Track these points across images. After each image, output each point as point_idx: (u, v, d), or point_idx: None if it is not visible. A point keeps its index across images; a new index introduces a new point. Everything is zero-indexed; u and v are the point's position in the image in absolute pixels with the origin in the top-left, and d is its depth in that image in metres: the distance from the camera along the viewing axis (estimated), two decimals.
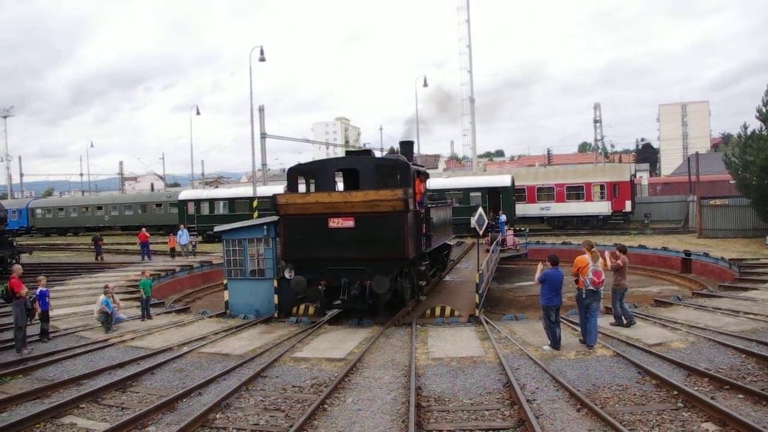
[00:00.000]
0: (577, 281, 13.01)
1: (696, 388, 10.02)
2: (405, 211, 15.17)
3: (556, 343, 12.79)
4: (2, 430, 9.30)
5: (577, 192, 43.96)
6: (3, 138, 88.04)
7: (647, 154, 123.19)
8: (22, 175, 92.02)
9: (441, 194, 42.44)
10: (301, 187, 18.21)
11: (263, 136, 47.33)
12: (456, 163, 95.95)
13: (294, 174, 17.79)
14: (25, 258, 31.85)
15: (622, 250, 15.20)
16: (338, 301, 16.12)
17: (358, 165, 17.21)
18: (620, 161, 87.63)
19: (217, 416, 9.78)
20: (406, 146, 21.64)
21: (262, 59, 41.06)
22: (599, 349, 12.63)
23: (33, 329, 15.54)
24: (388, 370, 11.92)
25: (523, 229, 39.41)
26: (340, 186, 18.68)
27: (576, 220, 44.41)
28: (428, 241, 17.62)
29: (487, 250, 27.53)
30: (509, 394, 10.16)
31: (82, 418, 10.05)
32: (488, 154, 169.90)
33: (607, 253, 14.04)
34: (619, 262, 14.68)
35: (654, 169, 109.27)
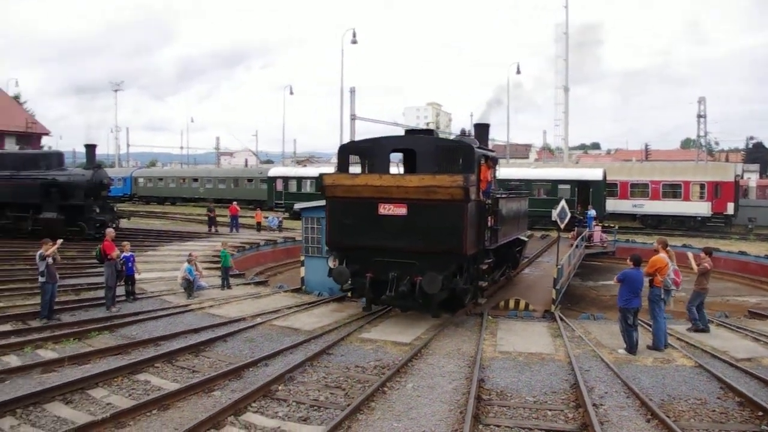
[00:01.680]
0: (653, 280, 12.44)
1: None
2: (465, 200, 13.30)
3: (632, 348, 12.25)
4: (86, 380, 9.89)
5: (674, 190, 41.90)
6: (113, 110, 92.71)
7: (758, 154, 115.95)
8: (128, 145, 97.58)
9: (528, 185, 41.55)
10: (356, 169, 16.59)
11: (353, 117, 47.80)
12: (548, 153, 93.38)
13: (345, 152, 15.89)
14: (123, 223, 33.48)
15: (708, 252, 14.42)
16: (385, 297, 14.26)
17: (415, 145, 15.20)
18: (727, 160, 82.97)
19: (280, 388, 9.99)
20: (481, 129, 19.58)
21: (354, 41, 41.24)
22: (679, 359, 11.99)
23: (123, 290, 16.36)
24: (452, 359, 11.79)
25: (612, 225, 38.02)
26: (400, 168, 16.91)
27: (671, 220, 42.39)
28: (494, 236, 15.72)
29: (572, 245, 26.77)
30: (575, 396, 9.82)
31: (156, 377, 10.55)
32: (583, 147, 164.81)
33: (690, 255, 13.34)
34: (705, 264, 13.92)
35: (765, 171, 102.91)
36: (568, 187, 40.44)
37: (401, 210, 13.88)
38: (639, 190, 42.87)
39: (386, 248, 14.10)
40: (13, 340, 12.25)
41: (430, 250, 13.65)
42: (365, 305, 15.35)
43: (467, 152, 14.35)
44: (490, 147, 19.75)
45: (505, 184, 41.87)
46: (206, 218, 36.71)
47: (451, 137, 22.06)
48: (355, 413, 8.83)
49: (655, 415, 8.91)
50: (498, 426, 8.67)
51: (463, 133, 18.90)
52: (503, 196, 17.14)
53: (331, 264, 15.04)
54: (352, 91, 51.89)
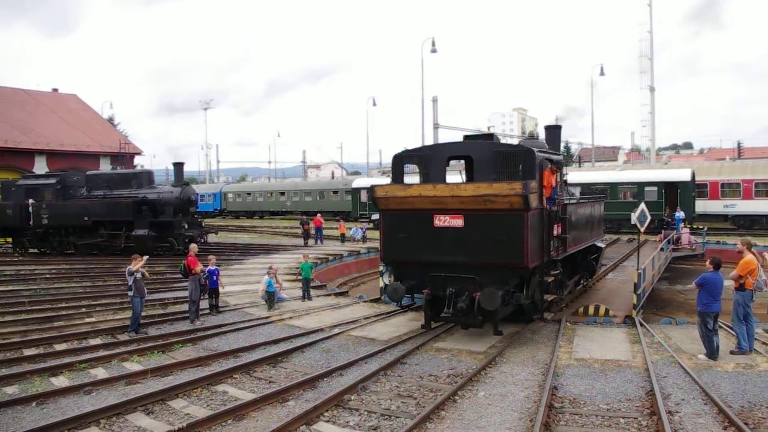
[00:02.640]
0: (744, 284, 11.97)
1: None
2: (524, 209, 12.44)
3: (712, 353, 11.83)
4: (166, 391, 10.40)
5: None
6: (203, 128, 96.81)
7: None
8: (218, 161, 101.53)
9: (614, 188, 40.53)
10: (413, 179, 15.99)
11: (436, 126, 47.85)
12: (637, 155, 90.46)
13: (399, 161, 15.08)
14: (212, 237, 34.82)
15: None
16: (444, 314, 13.46)
17: (472, 151, 14.43)
18: None
19: (352, 397, 10.18)
20: (551, 131, 18.68)
21: (434, 50, 41.43)
22: (763, 364, 11.48)
23: (206, 303, 17.07)
24: (526, 367, 11.71)
25: (701, 227, 36.50)
26: (456, 177, 16.05)
27: (765, 220, 40.27)
28: (563, 245, 14.99)
29: (662, 249, 25.96)
30: (650, 403, 9.58)
31: (233, 387, 10.96)
32: (675, 147, 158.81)
33: (766, 254, 12.78)
34: None
35: None
36: (654, 189, 39.28)
37: (458, 221, 13.15)
38: (730, 189, 41.02)
39: (443, 262, 13.38)
40: (101, 353, 13.01)
41: (488, 264, 12.96)
42: (424, 323, 14.53)
43: (527, 157, 13.53)
44: (561, 150, 19.24)
45: (590, 188, 41.28)
46: (300, 231, 37.34)
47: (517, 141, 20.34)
48: (424, 422, 8.94)
49: (732, 423, 8.61)
50: None
51: (531, 136, 18.51)
52: (572, 201, 16.23)
53: (386, 280, 14.42)
54: (434, 99, 51.96)
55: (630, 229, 35.98)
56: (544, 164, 13.96)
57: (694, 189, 39.75)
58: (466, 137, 15.64)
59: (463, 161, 16.38)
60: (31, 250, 33.53)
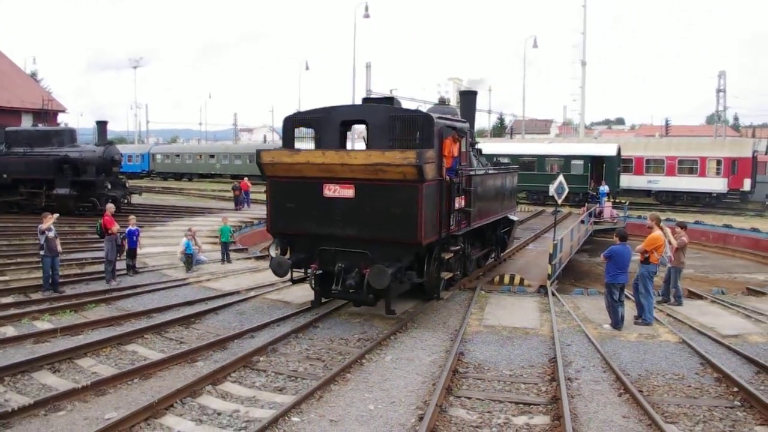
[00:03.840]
0: (648, 258, 12.48)
1: (762, 387, 9.32)
2: (419, 180, 11.34)
3: (617, 323, 12.31)
4: (74, 350, 10.26)
5: (690, 166, 41.38)
6: (133, 87, 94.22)
7: None
8: (148, 122, 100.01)
9: (540, 161, 41.39)
10: (304, 145, 14.62)
11: (369, 93, 47.65)
12: (568, 129, 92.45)
13: (290, 124, 13.74)
14: (136, 198, 33.97)
15: (683, 226, 14.60)
16: (333, 291, 12.44)
17: (367, 116, 13.24)
18: (753, 136, 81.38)
19: (261, 359, 10.22)
20: (466, 97, 17.56)
21: (367, 16, 41.08)
22: (664, 334, 12.01)
23: (123, 264, 16.70)
24: (436, 332, 11.94)
25: (624, 201, 37.76)
26: (362, 144, 14.54)
27: (686, 196, 41.96)
28: (466, 219, 14.09)
29: (582, 222, 26.74)
30: (552, 370, 9.92)
31: (143, 347, 10.87)
32: (607, 122, 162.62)
33: (668, 230, 13.41)
34: (684, 239, 14.09)
35: None
36: (581, 162, 40.33)
37: (348, 192, 12.07)
38: (654, 165, 42.54)
39: (334, 236, 12.33)
40: (12, 311, 12.62)
41: (380, 239, 11.92)
42: (313, 300, 13.44)
43: (425, 124, 12.35)
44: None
45: (518, 159, 42.04)
46: (232, 196, 36.41)
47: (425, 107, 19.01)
48: (328, 384, 9.05)
49: (627, 390, 9.01)
50: (469, 398, 8.83)
51: (441, 101, 17.04)
52: (478, 172, 15.24)
53: (272, 253, 13.15)
54: (368, 66, 51.72)
55: (552, 200, 36.94)
56: (445, 132, 12.84)
57: (620, 164, 40.98)
58: (364, 100, 14.40)
59: (351, 126, 15.19)
60: None
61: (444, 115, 13.76)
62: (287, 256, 13.04)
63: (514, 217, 19.68)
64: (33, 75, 63.62)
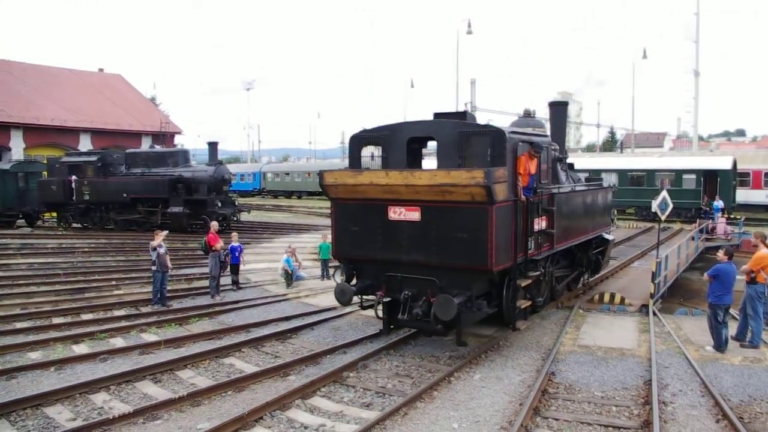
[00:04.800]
0: (756, 277, 11.77)
1: None
2: (488, 201, 10.36)
3: (720, 346, 11.66)
4: (175, 362, 10.91)
5: None
6: (246, 108, 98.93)
7: None
8: (260, 141, 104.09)
9: (650, 176, 39.85)
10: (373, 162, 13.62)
11: (474, 109, 47.62)
12: (684, 142, 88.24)
13: (356, 143, 13.04)
14: (245, 216, 35.47)
15: None
16: (400, 320, 11.77)
17: (435, 132, 12.32)
18: None
19: (351, 375, 10.43)
20: (556, 108, 16.41)
21: (470, 32, 41.11)
22: None
23: (228, 279, 17.52)
24: (528, 351, 11.76)
25: (738, 217, 35.60)
26: (430, 163, 13.36)
27: None
28: (549, 241, 13.03)
29: (692, 238, 25.52)
30: (646, 393, 9.55)
31: (240, 360, 11.37)
32: (726, 134, 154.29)
33: None
34: None
35: None
36: (693, 177, 38.38)
37: (414, 215, 11.27)
38: None
39: (400, 261, 11.57)
40: (123, 324, 13.64)
41: (449, 265, 11.05)
42: (383, 327, 12.75)
43: (496, 139, 11.39)
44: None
45: (626, 175, 40.62)
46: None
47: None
48: (414, 401, 9.12)
49: (725, 416, 8.54)
50: (556, 419, 8.65)
51: (526, 114, 16.04)
52: (562, 190, 14.03)
53: (338, 279, 12.48)
54: (473, 82, 51.63)
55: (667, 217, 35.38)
56: (521, 148, 11.88)
57: (735, 178, 38.72)
58: (436, 115, 13.22)
59: (419, 144, 13.84)
60: (74, 225, 34.78)
61: (523, 129, 13.17)
62: (354, 282, 12.36)
63: (609, 236, 18.20)
64: (152, 99, 68.03)
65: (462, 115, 13.00)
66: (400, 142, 12.36)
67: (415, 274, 11.37)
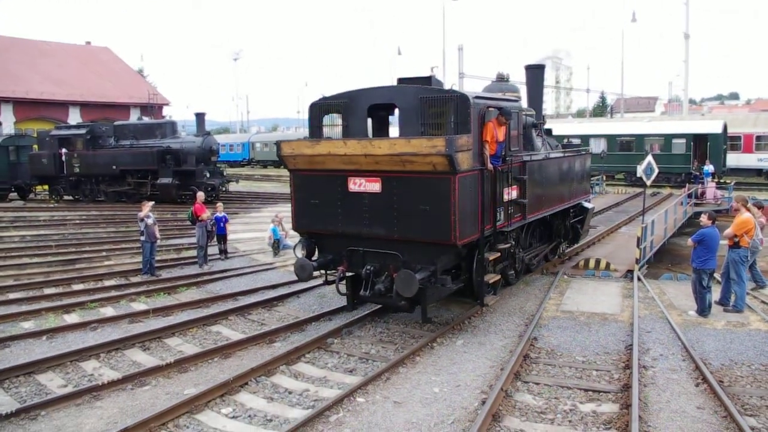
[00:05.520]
0: (739, 242, 11.87)
1: None
2: (451, 171, 9.75)
3: (704, 310, 11.78)
4: (164, 330, 11.07)
5: None
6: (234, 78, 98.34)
7: None
8: (248, 112, 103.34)
9: (640, 141, 39.84)
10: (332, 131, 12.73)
11: (461, 75, 47.33)
12: (675, 106, 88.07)
13: (316, 111, 12.23)
14: (234, 186, 35.46)
15: (759, 206, 13.63)
16: (363, 296, 11.06)
17: (396, 98, 11.54)
18: None
19: (335, 341, 10.56)
20: (533, 73, 15.62)
21: None
22: (755, 323, 11.41)
23: (216, 249, 17.63)
24: (512, 317, 11.89)
25: (728, 181, 35.71)
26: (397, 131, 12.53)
27: None
28: (521, 210, 12.36)
29: (681, 203, 25.65)
30: (627, 357, 9.67)
31: (227, 328, 11.52)
32: (720, 97, 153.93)
33: (756, 210, 12.66)
34: (762, 220, 13.31)
35: None
36: (683, 141, 38.33)
37: (374, 186, 10.66)
38: (766, 143, 39.90)
39: (362, 235, 10.97)
40: (113, 293, 13.74)
41: (411, 238, 10.44)
42: (347, 303, 12.07)
43: (460, 105, 10.61)
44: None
45: (616, 140, 40.57)
46: None
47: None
48: (396, 366, 9.25)
49: (705, 380, 8.67)
50: (537, 384, 8.79)
51: (500, 78, 15.24)
52: (535, 158, 13.24)
53: (298, 254, 11.95)
54: (460, 48, 51.21)
55: (656, 182, 35.49)
56: (488, 114, 11.00)
57: (726, 142, 38.73)
58: (399, 80, 12.33)
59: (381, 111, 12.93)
60: (65, 197, 34.74)
61: (492, 95, 12.38)
62: (315, 257, 11.85)
63: (589, 204, 17.29)
64: (140, 71, 67.36)
65: (427, 80, 11.98)
66: (361, 110, 11.71)
67: (378, 248, 10.84)
